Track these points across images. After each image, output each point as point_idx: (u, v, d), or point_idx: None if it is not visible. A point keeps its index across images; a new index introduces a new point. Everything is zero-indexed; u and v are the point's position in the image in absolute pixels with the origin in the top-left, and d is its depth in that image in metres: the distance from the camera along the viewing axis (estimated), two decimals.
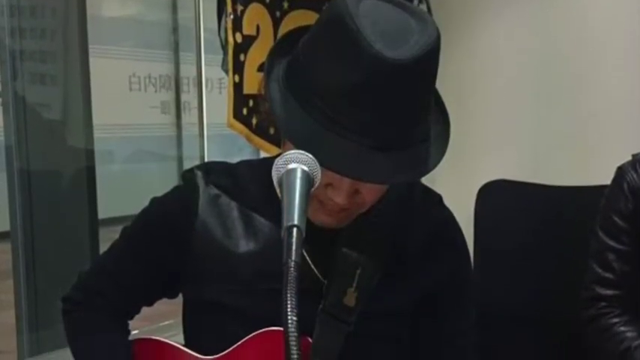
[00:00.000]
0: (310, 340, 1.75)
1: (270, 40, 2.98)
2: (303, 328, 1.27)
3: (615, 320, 2.45)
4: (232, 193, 1.86)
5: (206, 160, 4.30)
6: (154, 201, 1.94)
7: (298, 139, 1.58)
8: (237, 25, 2.86)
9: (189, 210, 1.84)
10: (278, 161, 1.44)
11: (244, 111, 2.94)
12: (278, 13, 3.05)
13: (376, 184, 1.67)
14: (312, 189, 1.44)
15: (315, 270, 1.78)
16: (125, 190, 5.95)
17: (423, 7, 3.42)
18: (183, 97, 7.11)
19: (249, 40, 2.92)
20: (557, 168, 3.46)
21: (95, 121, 3.96)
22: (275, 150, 2.73)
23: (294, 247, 1.30)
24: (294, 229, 1.33)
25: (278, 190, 1.42)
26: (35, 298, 3.53)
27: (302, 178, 1.41)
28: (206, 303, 1.84)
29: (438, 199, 1.93)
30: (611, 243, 2.48)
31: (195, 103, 4.48)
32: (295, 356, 1.22)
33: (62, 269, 3.48)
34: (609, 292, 2.48)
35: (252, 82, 2.91)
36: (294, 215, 1.35)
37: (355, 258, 1.77)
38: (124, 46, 6.72)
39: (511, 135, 3.64)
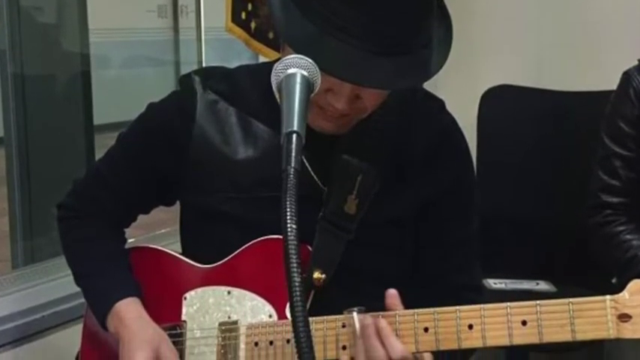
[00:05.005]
0: (310, 248, 1.73)
1: None
2: (303, 236, 1.25)
3: (621, 228, 2.45)
4: (230, 99, 1.83)
5: (204, 64, 4.26)
6: (151, 106, 1.92)
7: (298, 44, 1.54)
8: None
9: (187, 115, 1.82)
10: (277, 66, 1.41)
11: (243, 15, 2.90)
12: None
13: (377, 89, 1.64)
14: (312, 94, 1.41)
15: (315, 177, 1.75)
16: (121, 96, 5.91)
17: None
18: (181, 1, 7.05)
19: None
20: (562, 73, 3.43)
21: (90, 25, 3.91)
22: (274, 54, 2.69)
23: (293, 154, 1.28)
24: (294, 135, 1.30)
25: (277, 96, 1.40)
26: (29, 205, 3.51)
27: (301, 84, 1.38)
28: (204, 211, 1.82)
29: (440, 104, 1.89)
30: (617, 149, 2.46)
31: (192, 7, 4.43)
32: (294, 265, 1.20)
33: (57, 176, 3.46)
34: (615, 199, 2.46)
35: None
36: (294, 121, 1.32)
37: (356, 164, 1.75)
38: None
39: (515, 39, 3.61)
